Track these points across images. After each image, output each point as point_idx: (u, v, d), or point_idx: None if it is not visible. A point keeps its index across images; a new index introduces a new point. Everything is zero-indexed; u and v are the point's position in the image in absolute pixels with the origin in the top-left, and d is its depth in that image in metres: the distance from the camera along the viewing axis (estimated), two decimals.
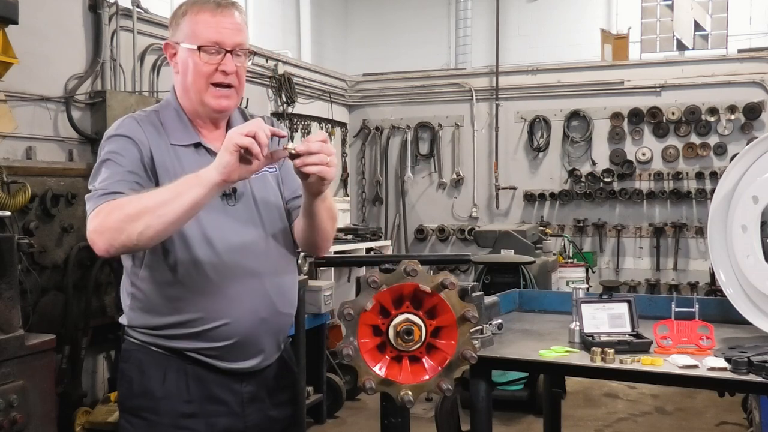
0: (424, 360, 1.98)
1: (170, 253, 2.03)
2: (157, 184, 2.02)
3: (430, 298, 1.97)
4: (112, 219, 1.86)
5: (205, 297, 2.04)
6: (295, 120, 7.76)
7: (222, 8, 2.07)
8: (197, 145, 2.11)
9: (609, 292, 3.24)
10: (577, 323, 2.53)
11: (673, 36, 8.41)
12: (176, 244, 2.02)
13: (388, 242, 8.34)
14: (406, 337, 1.95)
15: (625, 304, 2.56)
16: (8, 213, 3.80)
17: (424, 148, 9.16)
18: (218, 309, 2.04)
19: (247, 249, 2.08)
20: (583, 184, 8.50)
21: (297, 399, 2.34)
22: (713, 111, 8.01)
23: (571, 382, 6.34)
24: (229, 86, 2.09)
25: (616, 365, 2.24)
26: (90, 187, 2.02)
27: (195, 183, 1.84)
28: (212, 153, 2.08)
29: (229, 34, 2.06)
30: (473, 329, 2.02)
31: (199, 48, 2.05)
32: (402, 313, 1.97)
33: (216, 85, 2.08)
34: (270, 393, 2.20)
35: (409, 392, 1.95)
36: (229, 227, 2.07)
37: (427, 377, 1.97)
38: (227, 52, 2.06)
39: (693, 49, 8.40)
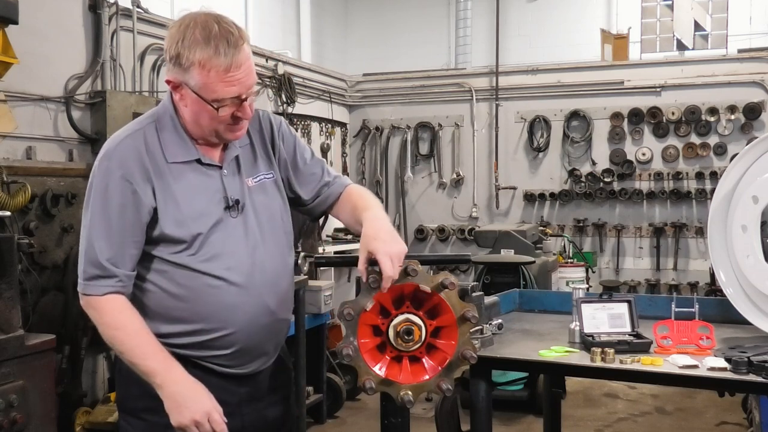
0: (424, 360, 1.98)
1: (175, 268, 2.04)
2: (155, 204, 2.03)
3: (430, 298, 1.97)
4: (101, 320, 2.05)
5: (207, 308, 2.05)
6: (295, 120, 7.76)
7: (233, 57, 1.94)
8: (196, 161, 2.09)
9: (609, 292, 3.24)
10: (577, 323, 2.53)
11: (673, 36, 8.41)
12: (180, 261, 2.04)
13: None
14: (406, 337, 1.95)
15: (625, 304, 2.56)
16: (8, 213, 3.79)
17: (424, 148, 9.16)
18: (220, 319, 2.05)
19: (247, 260, 2.09)
20: (583, 184, 8.49)
21: (290, 396, 2.35)
22: (713, 111, 8.01)
23: (571, 382, 6.34)
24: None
25: (616, 365, 2.24)
26: (84, 224, 2.03)
27: (153, 366, 1.99)
28: (212, 167, 2.10)
29: (243, 83, 1.98)
30: (473, 329, 2.02)
31: (215, 102, 1.98)
32: (402, 313, 1.97)
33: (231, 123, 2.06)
34: (266, 392, 2.21)
35: (409, 392, 1.95)
36: (231, 241, 2.08)
37: (427, 377, 1.97)
38: (243, 100, 2.01)
39: (693, 49, 8.39)
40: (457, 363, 1.96)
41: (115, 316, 2.02)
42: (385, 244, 1.94)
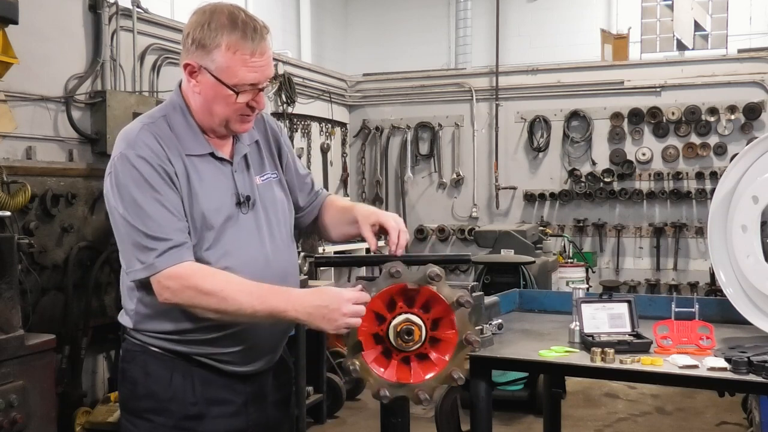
0: (430, 355, 1.99)
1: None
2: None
3: (421, 293, 1.98)
4: (189, 297, 1.94)
5: None
6: (295, 120, 7.76)
7: (258, 43, 1.99)
8: (210, 155, 2.10)
9: (609, 292, 3.24)
10: (577, 323, 2.52)
11: (673, 36, 8.42)
12: (194, 256, 2.03)
13: None
14: (407, 337, 1.96)
15: (625, 304, 2.56)
16: (8, 213, 3.79)
17: (424, 148, 9.17)
18: None
19: (258, 257, 2.09)
20: (583, 184, 8.50)
21: (290, 395, 2.36)
22: (713, 111, 8.01)
23: (571, 382, 6.33)
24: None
25: (616, 365, 2.24)
26: (130, 219, 1.96)
27: (275, 304, 1.94)
28: (224, 162, 2.10)
29: (263, 72, 2.02)
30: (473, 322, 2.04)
31: (235, 86, 2.00)
32: (399, 314, 1.98)
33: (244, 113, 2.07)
34: (270, 391, 2.22)
35: (425, 390, 1.96)
36: (244, 237, 2.08)
37: (437, 370, 1.98)
38: (260, 89, 2.04)
39: (693, 49, 8.40)
40: (462, 349, 1.97)
41: (208, 281, 1.94)
42: (384, 213, 2.23)
